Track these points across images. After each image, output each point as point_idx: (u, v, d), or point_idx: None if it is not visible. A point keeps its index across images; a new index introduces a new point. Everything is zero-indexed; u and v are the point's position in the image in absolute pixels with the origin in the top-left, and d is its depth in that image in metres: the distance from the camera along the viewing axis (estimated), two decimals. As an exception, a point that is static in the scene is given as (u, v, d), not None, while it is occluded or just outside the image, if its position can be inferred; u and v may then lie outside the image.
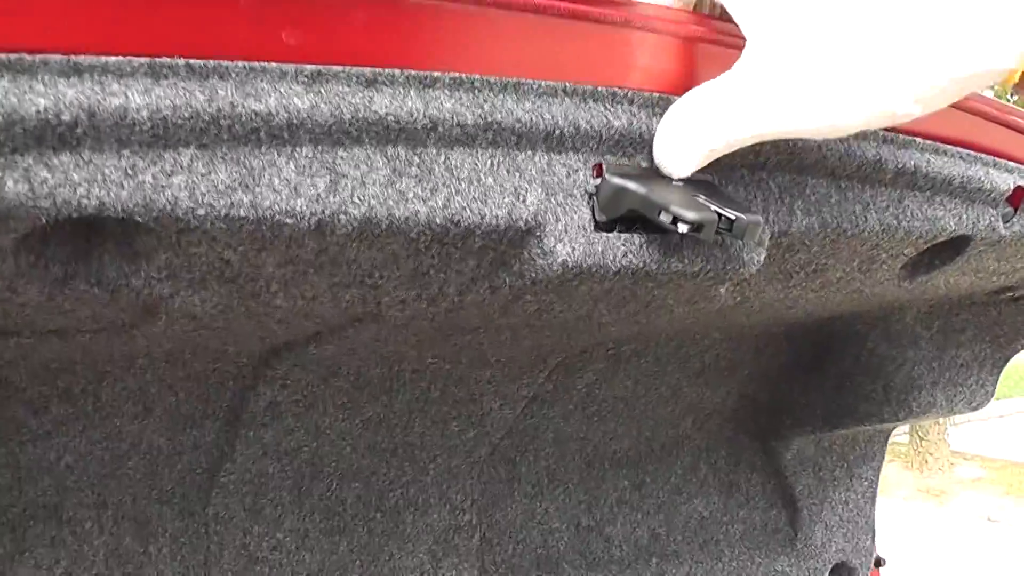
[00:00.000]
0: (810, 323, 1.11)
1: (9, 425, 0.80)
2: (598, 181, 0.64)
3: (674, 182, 0.66)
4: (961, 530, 6.79)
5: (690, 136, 0.65)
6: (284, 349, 0.82)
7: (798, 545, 1.34)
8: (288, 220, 0.54)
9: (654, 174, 0.66)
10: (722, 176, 0.70)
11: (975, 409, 1.20)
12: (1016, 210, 0.90)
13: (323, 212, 0.55)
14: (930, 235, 0.83)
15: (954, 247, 0.89)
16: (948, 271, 0.94)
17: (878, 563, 1.58)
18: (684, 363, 1.13)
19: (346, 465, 1.02)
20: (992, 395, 1.21)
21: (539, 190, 0.62)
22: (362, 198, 0.56)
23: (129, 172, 0.49)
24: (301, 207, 0.54)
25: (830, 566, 1.38)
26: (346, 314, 0.70)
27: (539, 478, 1.18)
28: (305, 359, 0.84)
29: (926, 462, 8.01)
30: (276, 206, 0.53)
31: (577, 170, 0.64)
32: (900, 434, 8.86)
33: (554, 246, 0.62)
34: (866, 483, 1.37)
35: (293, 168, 0.54)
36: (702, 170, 0.66)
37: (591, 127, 0.64)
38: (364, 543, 1.07)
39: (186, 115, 0.50)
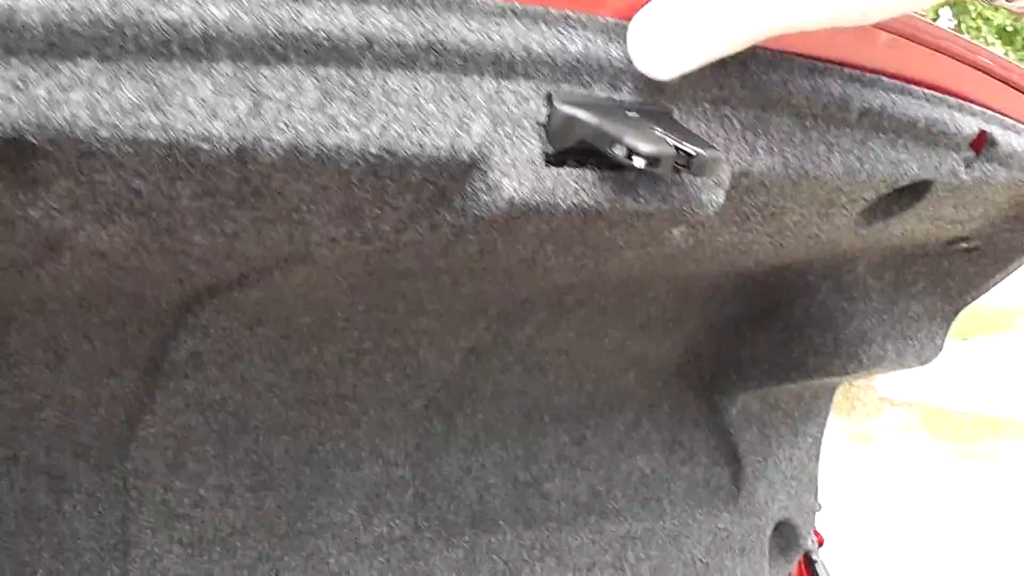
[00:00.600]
0: (760, 274, 1.08)
1: None
2: (549, 110, 0.60)
3: (630, 113, 0.61)
4: (889, 474, 6.96)
5: (687, 28, 0.59)
6: (206, 294, 0.77)
7: (741, 502, 1.32)
8: (204, 146, 0.49)
9: (609, 104, 0.62)
10: (682, 110, 0.65)
11: (924, 363, 1.18)
12: (978, 155, 0.88)
13: (244, 138, 0.50)
14: (892, 179, 0.81)
15: (914, 192, 0.87)
16: (906, 218, 0.92)
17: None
18: (629, 315, 1.09)
19: (273, 418, 0.97)
20: (941, 349, 1.19)
21: (485, 119, 0.57)
22: (288, 123, 0.51)
23: (19, 85, 0.44)
24: (219, 131, 0.49)
25: (773, 523, 1.36)
26: (272, 254, 0.66)
27: (476, 432, 1.14)
28: (229, 306, 0.79)
29: (854, 408, 8.19)
30: (190, 129, 0.48)
31: (527, 99, 0.59)
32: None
33: (500, 181, 0.58)
34: (810, 440, 1.35)
35: (210, 87, 0.49)
36: (661, 99, 0.62)
37: (544, 51, 0.59)
38: (292, 499, 1.03)
39: (85, 21, 0.45)
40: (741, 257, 0.93)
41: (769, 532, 1.36)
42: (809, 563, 1.55)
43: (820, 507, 1.58)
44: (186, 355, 0.85)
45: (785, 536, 1.39)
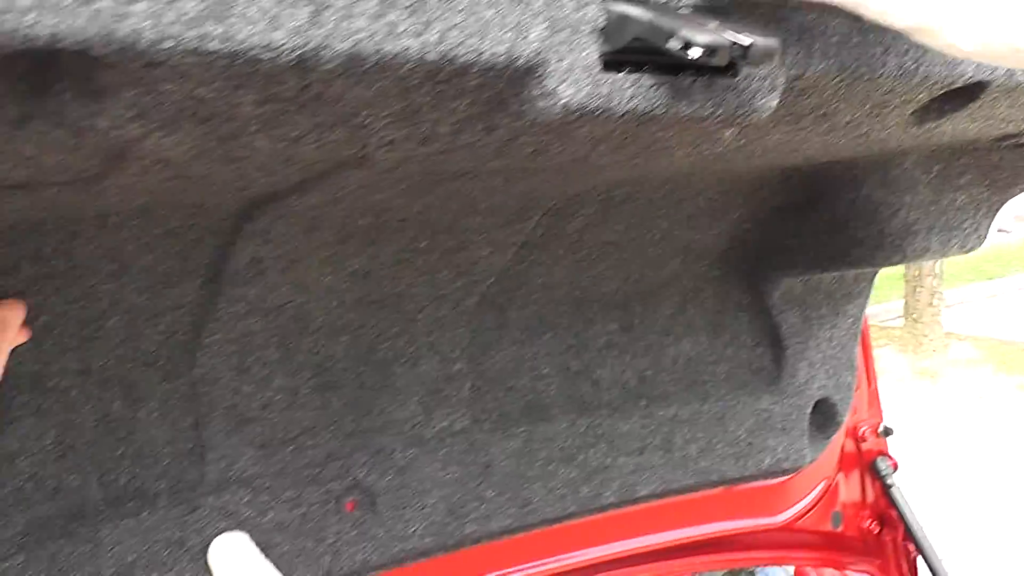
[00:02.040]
0: (806, 167, 1.08)
1: None
2: (605, 14, 0.59)
3: (683, 9, 0.61)
4: (955, 408, 6.89)
5: None
6: (265, 201, 0.78)
7: (782, 383, 1.35)
8: (266, 55, 0.49)
9: (663, 4, 0.61)
10: (739, 12, 0.64)
11: (968, 251, 1.18)
12: None
13: (305, 46, 0.50)
14: (947, 80, 0.80)
15: (968, 93, 0.86)
16: (958, 118, 0.91)
17: (887, 432, 1.61)
18: (676, 207, 1.11)
19: (333, 320, 1.00)
20: (985, 239, 1.19)
21: (543, 25, 0.57)
22: (348, 31, 0.51)
23: None
24: (280, 40, 0.49)
25: (812, 403, 1.39)
26: (331, 158, 0.67)
27: (528, 324, 1.17)
28: (287, 211, 0.81)
29: (920, 344, 8.10)
30: (252, 39, 0.48)
31: (586, 4, 0.59)
32: (894, 317, 8.93)
33: (556, 87, 0.58)
34: (851, 320, 1.37)
35: None
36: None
37: None
38: (355, 397, 1.06)
39: None
40: (790, 155, 0.93)
41: (809, 411, 1.39)
42: (885, 488, 1.59)
43: (892, 431, 1.62)
44: (246, 262, 0.87)
45: (823, 414, 1.42)
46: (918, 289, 8.03)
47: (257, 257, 0.86)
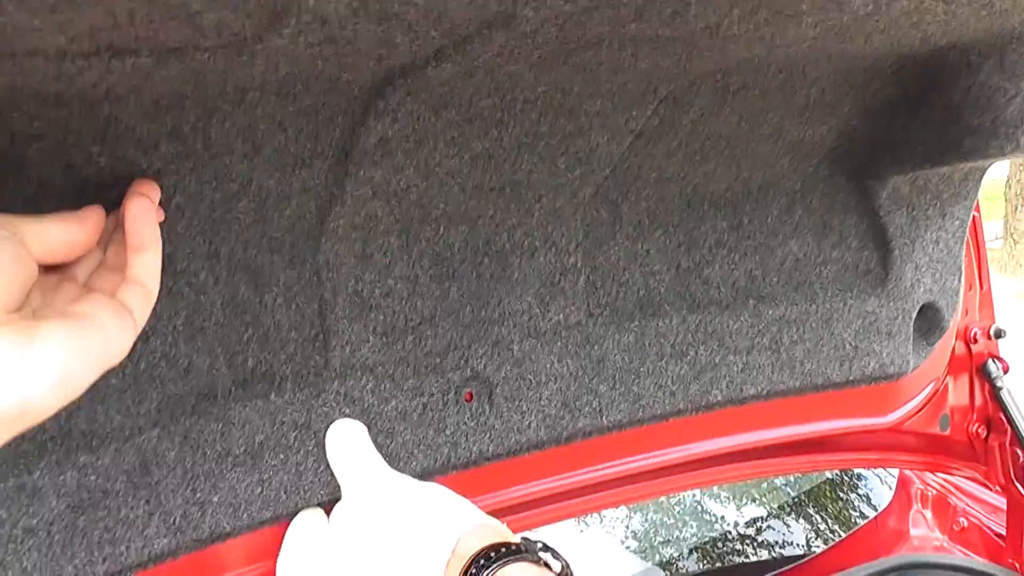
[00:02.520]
0: (922, 55, 1.06)
1: (119, 164, 0.79)
2: None
3: None
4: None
5: None
6: (399, 76, 0.79)
7: (889, 285, 1.34)
8: None
9: None
10: None
11: None
12: None
13: None
14: None
15: None
16: None
17: (998, 334, 1.59)
18: (788, 98, 1.09)
19: (453, 207, 1.00)
20: None
21: None
22: None
23: None
24: None
25: (918, 306, 1.37)
26: (478, 17, 0.67)
27: (640, 219, 1.17)
28: (418, 87, 0.81)
29: (1021, 266, 7.88)
30: None
31: None
32: (993, 240, 8.69)
33: None
34: (957, 222, 1.34)
35: None
36: None
37: None
38: (474, 288, 1.07)
39: None
40: (910, 31, 0.91)
41: (914, 315, 1.37)
42: (995, 391, 1.57)
43: (1004, 333, 1.59)
44: (375, 142, 0.87)
45: (928, 319, 1.41)
46: (1018, 208, 7.79)
47: (385, 137, 0.86)
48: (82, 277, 0.74)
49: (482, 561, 0.81)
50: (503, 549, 0.82)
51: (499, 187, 1.01)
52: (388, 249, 1.01)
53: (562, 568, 0.84)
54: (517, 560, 0.81)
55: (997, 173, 8.73)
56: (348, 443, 0.99)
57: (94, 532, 0.90)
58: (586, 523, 2.10)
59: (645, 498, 1.28)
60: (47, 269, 0.70)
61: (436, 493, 0.93)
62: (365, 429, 1.01)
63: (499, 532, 0.87)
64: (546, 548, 0.85)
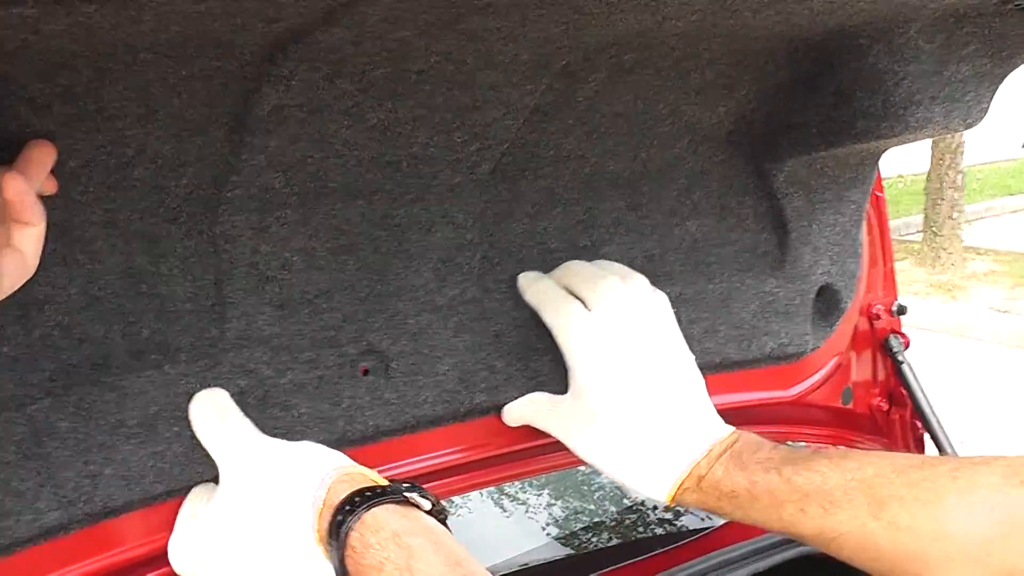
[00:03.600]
0: (812, 38, 1.09)
1: (12, 123, 0.78)
2: None
3: None
4: (971, 321, 6.90)
5: None
6: (290, 40, 0.79)
7: (786, 267, 1.36)
8: None
9: None
10: None
11: (970, 126, 1.19)
12: None
13: None
14: None
15: None
16: None
17: (900, 311, 1.62)
18: (684, 78, 1.11)
19: (351, 180, 1.01)
20: (987, 112, 1.19)
21: None
22: None
23: None
24: None
25: (816, 288, 1.40)
26: None
27: (539, 197, 1.18)
28: (311, 53, 0.81)
29: (939, 258, 8.08)
30: None
31: None
32: (914, 232, 8.89)
33: None
34: (854, 206, 1.37)
35: None
36: None
37: None
38: (371, 262, 1.08)
39: None
40: (796, 7, 0.94)
41: (812, 296, 1.40)
42: (896, 365, 1.62)
43: (905, 310, 1.63)
44: (269, 109, 0.87)
45: (827, 300, 1.44)
46: (938, 202, 7.98)
47: (279, 105, 0.87)
48: None
49: (347, 507, 0.83)
50: (368, 493, 0.84)
51: (396, 161, 1.01)
52: (285, 221, 1.01)
53: (432, 505, 0.85)
54: (383, 502, 0.83)
55: (920, 167, 8.94)
56: (213, 413, 0.99)
57: None
58: (496, 499, 2.11)
59: (544, 471, 1.29)
60: None
61: (305, 450, 0.95)
62: (227, 395, 1.01)
63: (369, 478, 0.89)
64: (412, 488, 0.87)
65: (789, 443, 2.09)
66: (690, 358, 1.11)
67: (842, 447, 1.56)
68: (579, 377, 1.07)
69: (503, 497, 2.15)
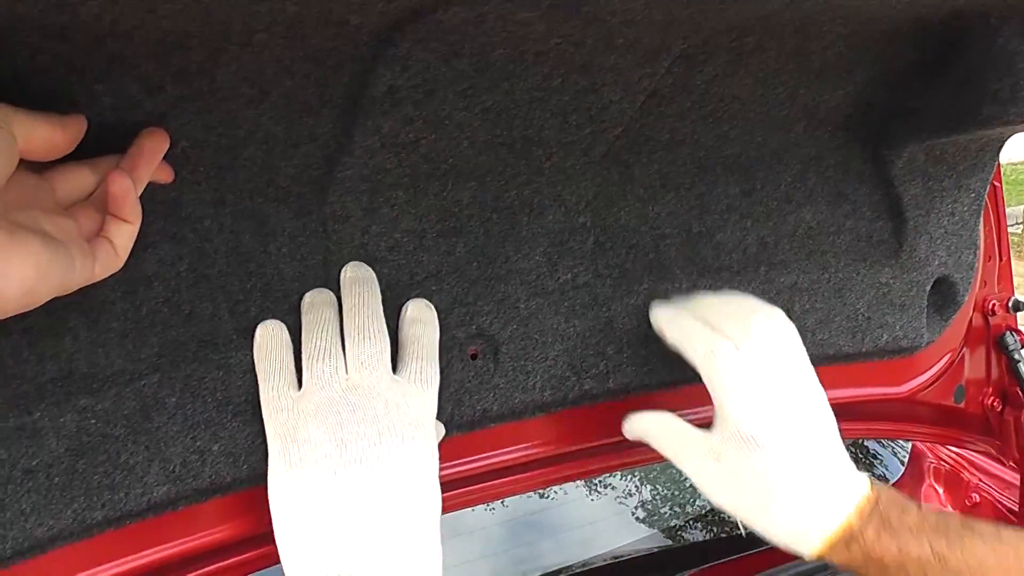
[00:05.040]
0: (938, 18, 1.05)
1: (125, 103, 0.78)
2: None
3: None
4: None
5: None
6: (408, 20, 0.77)
7: (902, 257, 1.32)
8: None
9: None
10: None
11: None
12: None
13: None
14: None
15: None
16: None
17: (1017, 307, 1.56)
18: (804, 61, 1.08)
19: (463, 162, 0.99)
20: None
21: None
22: None
23: None
24: None
25: (932, 279, 1.36)
26: None
27: (652, 182, 1.15)
28: (429, 34, 0.79)
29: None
30: None
31: None
32: (1012, 225, 8.62)
33: None
34: (973, 195, 1.32)
35: None
36: None
37: None
38: (481, 245, 1.06)
39: None
40: None
41: (928, 288, 1.36)
42: (1011, 364, 1.56)
43: (1023, 306, 1.57)
44: (384, 90, 0.85)
45: (943, 293, 1.40)
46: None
47: (394, 86, 0.85)
48: (63, 193, 0.76)
49: None
50: None
51: (509, 143, 0.99)
52: (395, 202, 1.00)
53: None
54: None
55: (1017, 155, 8.66)
56: None
57: (93, 477, 0.90)
58: (597, 491, 2.09)
59: (650, 462, 1.27)
60: (27, 166, 0.72)
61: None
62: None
63: None
64: None
65: (900, 441, 2.04)
66: (824, 395, 1.05)
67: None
68: (731, 419, 1.00)
69: (605, 488, 2.13)
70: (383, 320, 0.97)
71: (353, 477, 0.89)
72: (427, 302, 1.02)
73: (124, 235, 0.78)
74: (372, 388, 0.93)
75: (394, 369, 0.96)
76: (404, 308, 1.01)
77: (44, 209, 0.72)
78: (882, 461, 2.11)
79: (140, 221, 0.79)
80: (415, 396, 0.95)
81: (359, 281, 0.98)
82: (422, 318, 1.01)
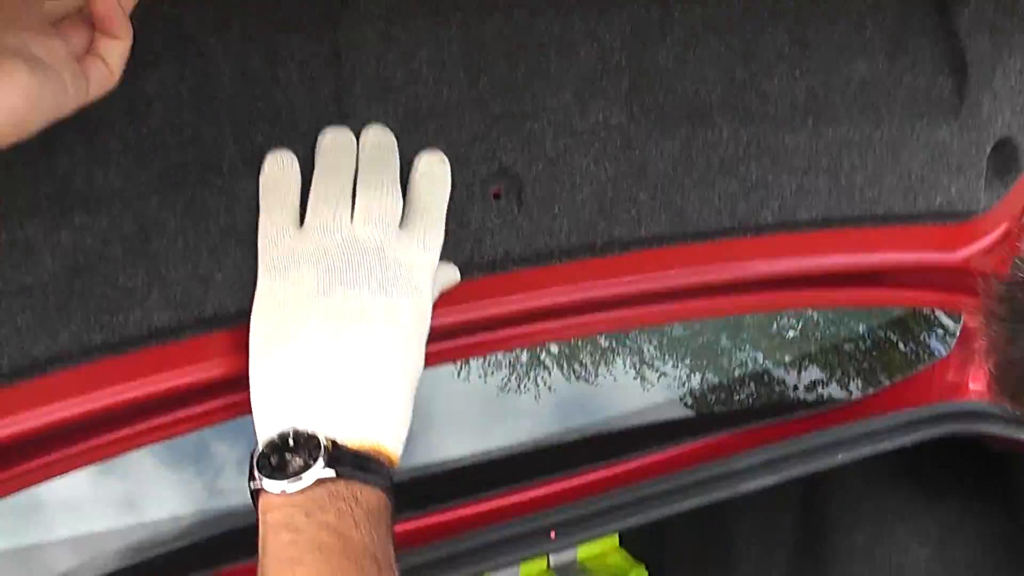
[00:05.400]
0: None
1: None
2: None
3: None
4: None
5: None
6: None
7: (963, 115, 1.24)
8: None
9: None
10: None
11: None
12: None
13: None
14: None
15: None
16: None
17: None
18: None
19: None
20: None
21: None
22: None
23: None
24: None
25: (993, 141, 1.28)
26: None
27: (693, 24, 1.08)
28: None
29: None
30: None
31: None
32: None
33: None
34: None
35: None
36: None
37: None
38: (506, 80, 1.01)
39: None
40: None
41: (988, 149, 1.29)
42: None
43: None
44: None
45: (1004, 155, 1.32)
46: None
47: None
48: (50, 8, 0.72)
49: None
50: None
51: None
52: (415, 31, 0.95)
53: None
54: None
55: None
56: None
57: (91, 298, 0.88)
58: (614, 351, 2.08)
59: (682, 318, 1.23)
60: None
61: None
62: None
63: None
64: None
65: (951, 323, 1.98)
66: None
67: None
68: None
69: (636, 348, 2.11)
70: (399, 184, 0.94)
71: (333, 329, 0.87)
72: (442, 155, 0.98)
73: (115, 53, 0.74)
74: (373, 244, 0.90)
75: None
76: (417, 158, 0.97)
77: (31, 29, 0.69)
78: (929, 340, 2.05)
79: (131, 38, 0.75)
80: (415, 258, 0.93)
81: (380, 146, 0.95)
82: (434, 173, 0.97)
